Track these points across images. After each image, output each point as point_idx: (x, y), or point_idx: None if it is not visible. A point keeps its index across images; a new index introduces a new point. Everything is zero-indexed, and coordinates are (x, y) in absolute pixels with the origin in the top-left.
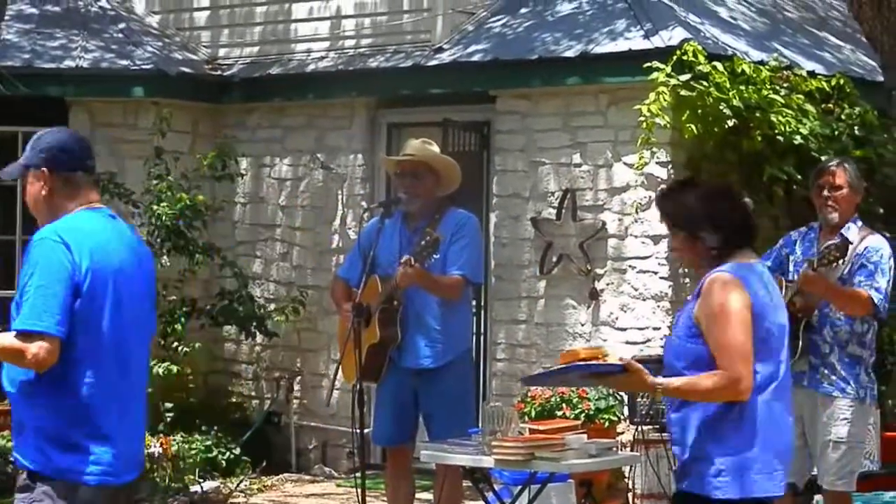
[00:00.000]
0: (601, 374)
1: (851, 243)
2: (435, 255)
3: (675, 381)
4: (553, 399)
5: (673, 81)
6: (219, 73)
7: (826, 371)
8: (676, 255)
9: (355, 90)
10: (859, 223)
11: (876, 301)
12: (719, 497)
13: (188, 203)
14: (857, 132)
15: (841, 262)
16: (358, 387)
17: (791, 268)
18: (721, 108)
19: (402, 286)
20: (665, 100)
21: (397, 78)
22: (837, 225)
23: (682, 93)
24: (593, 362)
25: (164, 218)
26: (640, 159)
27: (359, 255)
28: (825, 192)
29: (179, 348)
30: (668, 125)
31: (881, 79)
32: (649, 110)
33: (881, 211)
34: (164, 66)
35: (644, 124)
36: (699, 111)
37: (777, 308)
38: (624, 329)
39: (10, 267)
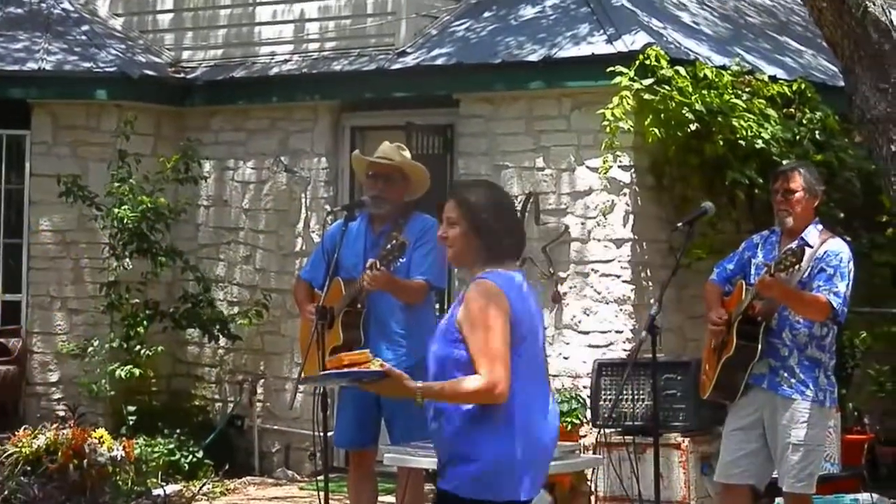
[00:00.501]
0: (364, 380)
1: (811, 247)
2: (401, 259)
3: (436, 386)
4: None
5: (636, 86)
6: (182, 75)
7: (785, 374)
8: (444, 243)
9: (319, 93)
10: (820, 227)
11: (834, 305)
12: (478, 498)
13: (150, 206)
14: (818, 136)
15: (798, 267)
16: (321, 390)
17: (753, 271)
18: (683, 112)
19: (367, 290)
20: (628, 104)
21: (361, 81)
22: (795, 229)
23: (645, 97)
24: (355, 368)
25: (126, 221)
26: (603, 163)
27: (322, 257)
28: (780, 196)
29: (142, 351)
30: (631, 129)
31: (842, 83)
32: (612, 114)
33: (841, 215)
34: (128, 68)
35: (607, 128)
36: (662, 115)
37: (534, 317)
38: (587, 332)
39: None
